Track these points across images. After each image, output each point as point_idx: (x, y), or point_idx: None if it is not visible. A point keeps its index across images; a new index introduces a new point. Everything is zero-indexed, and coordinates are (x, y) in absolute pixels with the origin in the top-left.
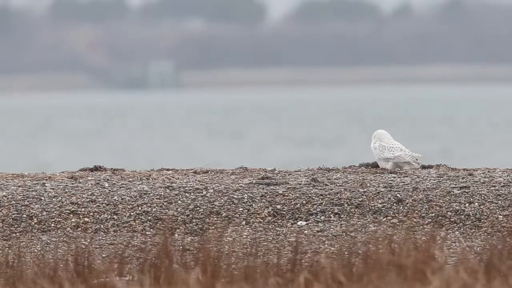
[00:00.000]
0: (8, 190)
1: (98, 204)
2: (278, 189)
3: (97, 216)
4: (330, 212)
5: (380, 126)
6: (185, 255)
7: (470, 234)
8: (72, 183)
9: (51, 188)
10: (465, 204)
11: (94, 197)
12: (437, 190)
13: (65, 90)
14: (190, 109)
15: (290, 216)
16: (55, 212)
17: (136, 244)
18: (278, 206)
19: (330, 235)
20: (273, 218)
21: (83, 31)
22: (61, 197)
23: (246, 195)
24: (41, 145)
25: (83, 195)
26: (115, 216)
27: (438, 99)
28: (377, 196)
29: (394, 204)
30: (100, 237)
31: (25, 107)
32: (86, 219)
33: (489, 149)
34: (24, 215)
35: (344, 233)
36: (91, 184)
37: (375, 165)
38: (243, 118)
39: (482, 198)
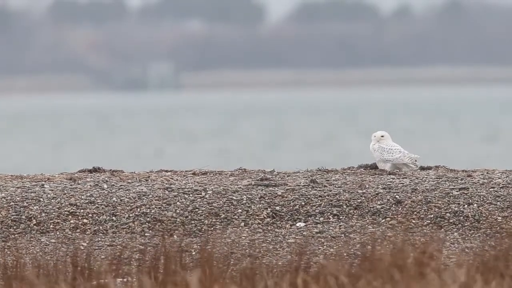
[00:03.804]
0: (7, 191)
1: (97, 205)
2: (277, 190)
3: (96, 217)
4: (329, 214)
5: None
6: (184, 256)
7: (469, 235)
8: (71, 185)
9: (50, 190)
10: (464, 205)
11: (93, 198)
12: (436, 192)
13: (65, 91)
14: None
15: (289, 217)
16: (54, 213)
17: (135, 245)
18: (277, 208)
19: (329, 236)
20: (272, 220)
21: (82, 32)
22: (60, 199)
23: (245, 196)
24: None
25: (82, 197)
26: (114, 218)
27: (438, 100)
28: (376, 198)
29: (393, 206)
30: (99, 239)
31: (25, 108)
32: (85, 220)
33: None
34: (23, 217)
35: (343, 235)
36: (90, 185)
37: (374, 166)
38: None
39: (481, 199)
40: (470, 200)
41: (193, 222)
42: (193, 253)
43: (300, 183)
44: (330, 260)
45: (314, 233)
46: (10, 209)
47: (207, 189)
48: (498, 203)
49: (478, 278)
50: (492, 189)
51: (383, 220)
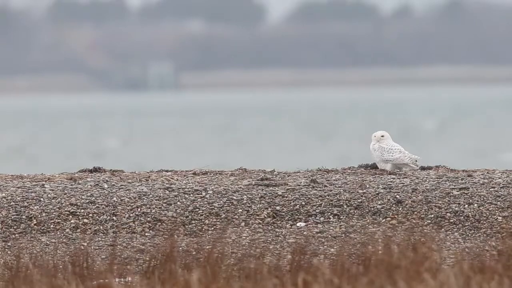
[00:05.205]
0: (7, 191)
1: (97, 205)
2: (277, 190)
3: (96, 217)
4: (329, 213)
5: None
6: (184, 256)
7: (469, 235)
8: (71, 184)
9: (50, 190)
10: (464, 205)
11: (93, 198)
12: (436, 191)
13: (65, 91)
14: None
15: (289, 217)
16: (54, 213)
17: (136, 245)
18: (278, 207)
19: (330, 236)
20: (273, 219)
21: (83, 32)
22: (60, 199)
23: (245, 196)
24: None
25: (82, 197)
26: (114, 218)
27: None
28: (377, 197)
29: (394, 205)
30: (99, 238)
31: (26, 108)
32: (85, 220)
33: None
34: (24, 216)
35: (343, 234)
36: (90, 185)
37: (374, 166)
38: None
39: (481, 199)
40: (471, 200)
41: (193, 222)
42: (194, 253)
43: (301, 183)
44: (330, 260)
45: (314, 233)
46: (11, 209)
47: (208, 189)
48: (499, 203)
49: (476, 278)
50: (492, 189)
51: (384, 220)
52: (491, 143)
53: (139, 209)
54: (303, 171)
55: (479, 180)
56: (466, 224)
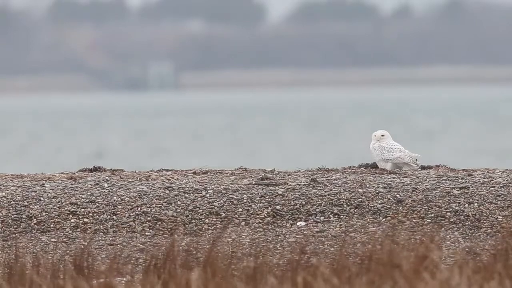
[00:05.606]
0: (7, 190)
1: (97, 204)
2: (278, 189)
3: (97, 216)
4: (329, 213)
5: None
6: (184, 255)
7: (470, 234)
8: (72, 184)
9: (50, 189)
10: (464, 204)
11: (94, 197)
12: (436, 191)
13: (65, 91)
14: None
15: (289, 216)
16: (54, 212)
17: (136, 244)
18: (278, 207)
19: (330, 235)
20: (273, 219)
21: (82, 32)
22: (61, 198)
23: (245, 195)
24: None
25: (83, 196)
26: (114, 217)
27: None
28: (377, 197)
29: (394, 205)
30: (100, 238)
31: (26, 108)
32: (86, 219)
33: None
34: (24, 216)
35: (343, 234)
36: (91, 184)
37: (374, 166)
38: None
39: (482, 198)
40: (471, 199)
41: (193, 221)
42: (194, 252)
43: (301, 182)
44: (330, 259)
45: (314, 232)
46: (11, 208)
47: (208, 188)
48: (499, 202)
49: (476, 278)
50: (492, 188)
51: (384, 219)
52: (491, 143)
53: (139, 209)
54: (303, 170)
55: (479, 179)
56: (466, 223)
